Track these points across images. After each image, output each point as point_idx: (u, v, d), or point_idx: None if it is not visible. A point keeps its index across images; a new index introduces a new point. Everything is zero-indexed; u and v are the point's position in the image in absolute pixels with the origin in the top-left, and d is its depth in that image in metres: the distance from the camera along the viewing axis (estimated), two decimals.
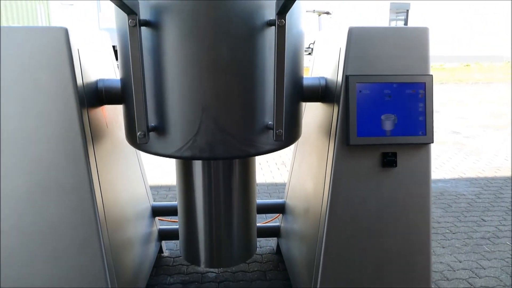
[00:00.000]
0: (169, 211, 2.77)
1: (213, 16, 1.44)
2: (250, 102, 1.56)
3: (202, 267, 2.10)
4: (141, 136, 1.55)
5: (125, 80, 1.70)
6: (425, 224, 1.89)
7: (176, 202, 2.75)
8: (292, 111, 1.73)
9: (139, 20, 1.44)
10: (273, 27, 1.51)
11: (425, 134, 1.79)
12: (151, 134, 1.62)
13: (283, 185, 4.39)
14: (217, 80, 1.49)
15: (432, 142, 1.81)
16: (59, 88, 1.64)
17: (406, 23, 22.72)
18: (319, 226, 1.93)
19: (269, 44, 1.54)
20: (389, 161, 1.81)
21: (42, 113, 1.64)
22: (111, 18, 12.01)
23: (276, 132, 1.56)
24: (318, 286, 1.88)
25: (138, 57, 1.46)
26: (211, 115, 1.53)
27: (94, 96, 1.81)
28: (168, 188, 4.28)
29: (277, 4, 1.42)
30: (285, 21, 1.43)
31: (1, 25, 1.70)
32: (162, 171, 4.80)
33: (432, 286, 2.53)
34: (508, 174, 4.78)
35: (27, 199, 1.68)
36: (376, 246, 1.88)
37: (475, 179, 4.61)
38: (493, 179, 4.62)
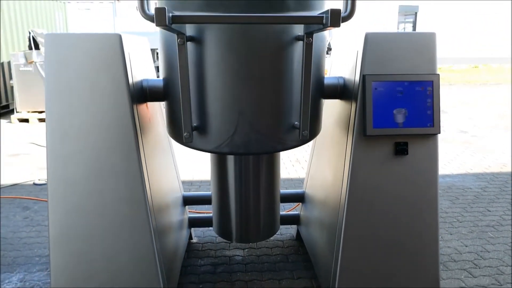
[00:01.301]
0: (199, 200, 3.04)
1: (249, 33, 1.69)
2: (279, 106, 1.83)
3: (234, 242, 2.39)
4: (187, 136, 1.83)
5: (168, 82, 1.97)
6: (433, 206, 2.14)
7: (203, 193, 3.03)
8: (314, 109, 1.99)
9: (186, 38, 1.70)
10: (301, 41, 1.76)
11: (433, 126, 2.04)
12: (193, 132, 1.89)
13: (298, 179, 4.64)
14: (251, 88, 1.76)
15: (439, 133, 2.06)
16: (114, 86, 1.92)
17: (414, 25, 22.86)
18: (338, 210, 2.18)
19: (297, 56, 1.79)
20: (401, 149, 2.06)
21: (99, 109, 1.91)
22: (126, 22, 12.35)
23: (302, 133, 1.84)
24: (339, 264, 2.13)
25: (186, 70, 1.72)
26: (246, 118, 1.80)
27: (140, 94, 2.09)
28: (190, 183, 4.56)
29: (305, 26, 1.69)
30: (312, 39, 1.69)
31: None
32: (182, 167, 5.07)
33: (440, 267, 2.77)
34: None
35: (87, 183, 1.95)
36: (390, 227, 2.13)
37: (482, 174, 4.84)
38: (499, 174, 4.84)
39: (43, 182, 4.50)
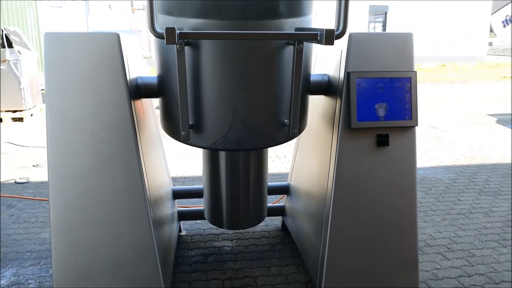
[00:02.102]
0: (187, 194, 3.14)
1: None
2: (270, 106, 1.96)
3: (225, 228, 2.51)
4: (185, 135, 1.94)
5: (163, 80, 2.07)
6: (412, 192, 2.31)
7: (191, 186, 3.14)
8: (302, 106, 2.13)
9: (184, 44, 1.80)
10: (291, 46, 1.89)
11: (411, 119, 2.21)
12: (190, 130, 2.00)
13: (279, 174, 4.79)
14: (244, 89, 1.89)
15: (417, 125, 2.24)
16: (114, 83, 2.00)
17: (384, 25, 23.41)
18: (325, 199, 2.33)
19: (287, 58, 1.92)
20: (382, 141, 2.23)
21: (99, 105, 1.99)
22: (99, 20, 12.24)
23: (292, 131, 1.98)
24: (327, 250, 2.27)
25: (184, 76, 1.83)
26: (239, 117, 1.93)
27: (135, 90, 2.18)
28: (174, 179, 4.64)
29: (296, 31, 1.82)
30: (303, 45, 1.83)
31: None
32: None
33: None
34: (479, 162, 5.28)
35: (87, 176, 2.04)
36: (374, 212, 2.29)
37: (452, 166, 5.10)
38: (468, 166, 5.11)
39: (25, 180, 4.49)
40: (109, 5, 13.34)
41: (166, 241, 2.50)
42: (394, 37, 2.24)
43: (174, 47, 1.82)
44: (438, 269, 2.78)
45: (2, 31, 7.88)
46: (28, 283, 2.61)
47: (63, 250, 2.06)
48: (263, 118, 1.97)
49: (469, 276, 2.69)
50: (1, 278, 2.65)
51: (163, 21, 1.87)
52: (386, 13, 23.11)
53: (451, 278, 2.68)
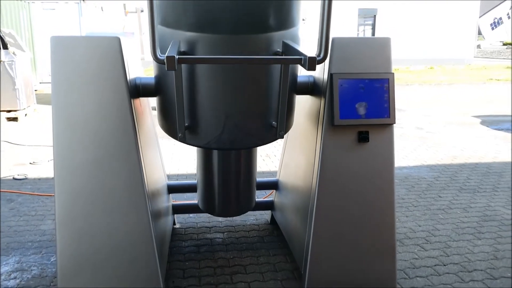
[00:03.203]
0: (181, 189, 3.32)
1: (234, 47, 1.96)
2: (260, 110, 2.16)
3: (216, 216, 2.70)
4: (181, 136, 2.13)
5: (160, 81, 2.24)
6: (390, 184, 2.50)
7: (185, 181, 3.31)
8: (289, 106, 2.31)
9: (180, 53, 1.95)
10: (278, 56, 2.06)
11: (389, 117, 2.40)
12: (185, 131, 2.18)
13: (269, 173, 4.97)
14: (236, 95, 2.07)
15: (395, 123, 2.43)
16: (115, 83, 2.17)
17: (374, 28, 23.74)
18: (311, 191, 2.52)
19: (275, 67, 2.09)
20: (363, 137, 2.42)
21: (101, 103, 2.16)
22: (92, 22, 12.35)
23: (279, 133, 2.20)
24: (311, 238, 2.45)
25: (181, 87, 2.00)
26: (231, 120, 2.12)
27: (134, 90, 2.35)
28: (168, 177, 4.80)
29: (283, 44, 2.00)
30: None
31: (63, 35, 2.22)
32: None
33: (397, 244, 3.16)
34: (462, 162, 5.51)
35: (90, 168, 2.20)
36: (355, 203, 2.48)
37: (435, 165, 5.32)
38: (450, 165, 5.34)
39: (23, 177, 4.63)
40: (101, 8, 13.44)
41: (162, 232, 2.66)
42: (374, 41, 2.43)
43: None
44: (416, 258, 2.98)
45: None
46: (31, 269, 2.76)
47: (67, 238, 2.22)
48: (252, 121, 2.16)
49: (444, 265, 2.89)
50: (6, 265, 2.80)
51: (161, 32, 2.02)
52: (375, 16, 23.44)
53: (428, 266, 2.87)
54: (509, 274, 2.77)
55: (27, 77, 8.41)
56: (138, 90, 2.39)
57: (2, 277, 2.68)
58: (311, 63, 1.81)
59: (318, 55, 1.94)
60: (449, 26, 24.13)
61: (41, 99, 9.89)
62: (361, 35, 23.89)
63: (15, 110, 7.95)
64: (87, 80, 2.14)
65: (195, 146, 2.26)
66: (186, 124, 2.16)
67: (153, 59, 1.84)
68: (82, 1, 12.14)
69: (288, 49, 1.98)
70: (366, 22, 23.93)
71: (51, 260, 2.88)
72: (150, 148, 2.67)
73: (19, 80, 7.92)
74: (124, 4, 11.99)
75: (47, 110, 8.92)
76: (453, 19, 24.09)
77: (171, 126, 2.26)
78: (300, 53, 1.87)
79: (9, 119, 7.88)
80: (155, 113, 2.54)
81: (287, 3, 1.97)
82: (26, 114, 8.15)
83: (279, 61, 1.93)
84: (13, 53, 7.87)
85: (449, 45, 24.37)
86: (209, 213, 2.73)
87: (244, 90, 2.07)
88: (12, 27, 10.31)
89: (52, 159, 5.24)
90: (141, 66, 2.84)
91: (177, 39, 1.97)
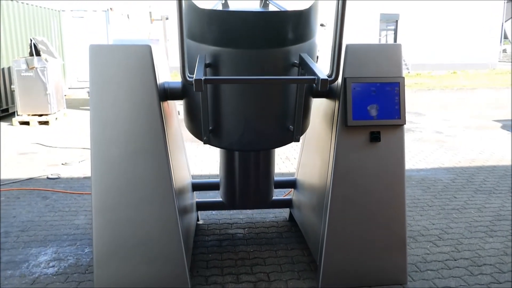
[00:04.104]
0: (205, 187, 3.53)
1: (254, 61, 2.16)
2: (278, 115, 2.36)
3: (237, 209, 2.92)
4: (206, 139, 2.36)
5: (186, 86, 2.44)
6: (400, 182, 2.65)
7: (209, 180, 3.53)
8: (305, 108, 2.49)
9: (205, 65, 2.16)
10: (296, 68, 2.23)
11: (400, 118, 2.56)
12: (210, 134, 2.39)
13: (289, 174, 5.15)
14: (256, 102, 2.28)
15: (405, 124, 2.58)
16: (146, 87, 2.39)
17: (396, 33, 23.68)
18: (326, 188, 2.69)
19: (292, 75, 2.25)
20: (375, 137, 2.58)
21: (134, 104, 2.38)
22: (119, 30, 12.77)
23: (295, 137, 2.41)
24: (326, 232, 2.62)
25: (206, 99, 2.24)
26: (251, 124, 2.33)
27: (163, 93, 2.56)
28: (191, 177, 5.02)
29: (300, 57, 2.18)
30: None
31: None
32: None
33: (410, 241, 3.29)
34: (479, 164, 5.58)
35: (123, 163, 2.42)
36: (367, 199, 2.64)
37: (452, 168, 5.41)
38: (468, 168, 5.41)
39: (56, 176, 4.93)
40: (128, 15, 13.88)
41: (187, 225, 2.87)
42: (385, 47, 2.60)
43: (197, 55, 2.18)
44: (428, 254, 3.11)
45: (31, 40, 8.40)
46: (68, 259, 3.01)
47: (103, 226, 2.45)
48: (271, 125, 2.37)
49: (455, 260, 3.01)
50: (45, 255, 3.05)
51: (187, 45, 2.20)
52: (397, 21, 23.39)
53: (439, 261, 3.00)
54: None
55: (58, 82, 8.81)
56: (166, 93, 2.61)
57: (42, 265, 2.93)
58: (323, 84, 1.98)
59: (330, 76, 2.14)
60: (472, 30, 23.88)
61: (70, 104, 10.31)
62: (383, 40, 23.87)
63: (46, 114, 8.34)
64: (122, 84, 2.37)
65: (217, 147, 2.47)
66: (210, 127, 2.37)
67: (182, 80, 2.05)
68: (109, 10, 12.58)
69: (304, 65, 2.15)
70: (388, 27, 23.90)
71: (85, 251, 3.13)
72: (177, 147, 2.89)
73: (50, 86, 8.32)
74: (150, 12, 12.37)
75: (76, 114, 9.31)
76: (476, 23, 23.84)
77: (196, 128, 2.47)
78: (314, 73, 2.04)
79: (41, 122, 8.26)
80: (181, 117, 2.77)
81: (303, 21, 2.16)
82: (56, 118, 8.53)
83: (295, 81, 2.15)
84: (45, 59, 8.27)
85: (473, 50, 24.10)
86: (231, 207, 2.94)
87: (263, 98, 2.28)
88: (44, 35, 10.77)
89: (83, 160, 5.54)
90: (168, 71, 3.07)
91: (202, 52, 2.17)
